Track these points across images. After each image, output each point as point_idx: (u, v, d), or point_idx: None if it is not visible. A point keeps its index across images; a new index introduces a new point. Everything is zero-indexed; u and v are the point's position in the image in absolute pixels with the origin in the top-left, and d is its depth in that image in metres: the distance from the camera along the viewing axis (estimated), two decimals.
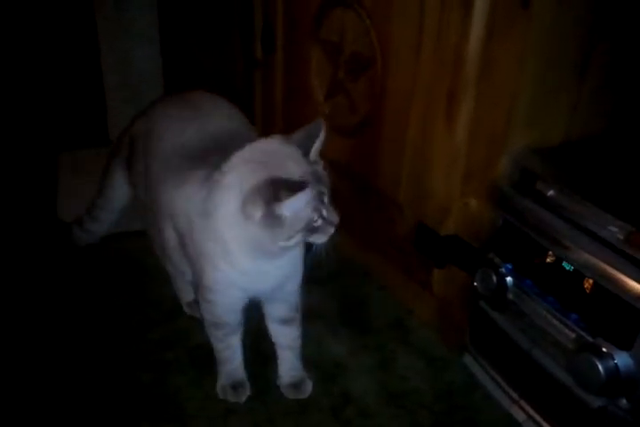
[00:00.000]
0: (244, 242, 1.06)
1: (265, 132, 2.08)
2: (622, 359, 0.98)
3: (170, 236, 1.21)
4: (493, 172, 1.24)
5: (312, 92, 1.76)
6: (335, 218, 1.06)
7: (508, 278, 1.18)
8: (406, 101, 1.40)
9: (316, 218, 1.03)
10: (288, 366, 1.32)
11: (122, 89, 2.24)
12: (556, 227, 1.10)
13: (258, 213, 1.00)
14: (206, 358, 1.38)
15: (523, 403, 1.21)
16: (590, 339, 1.02)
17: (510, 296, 1.18)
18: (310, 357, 1.39)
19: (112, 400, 1.28)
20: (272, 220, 1.00)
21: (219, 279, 1.15)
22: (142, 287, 1.57)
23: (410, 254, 1.48)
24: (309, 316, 1.51)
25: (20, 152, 2.14)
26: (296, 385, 1.32)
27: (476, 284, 1.24)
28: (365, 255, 1.68)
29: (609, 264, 1.00)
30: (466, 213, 1.32)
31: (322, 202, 1.03)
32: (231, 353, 1.29)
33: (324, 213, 1.04)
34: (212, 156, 1.13)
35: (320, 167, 1.06)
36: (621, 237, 1.00)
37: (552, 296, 1.11)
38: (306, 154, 1.04)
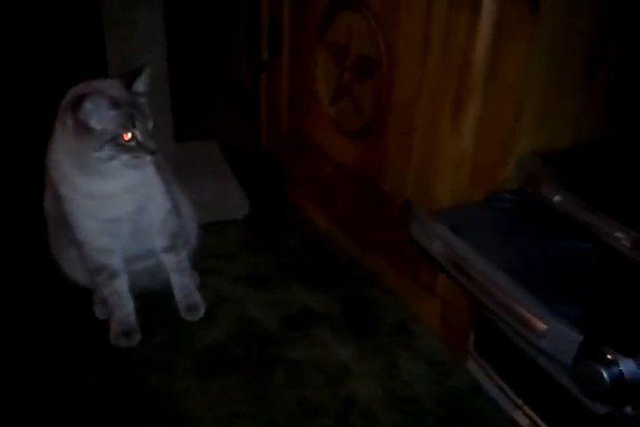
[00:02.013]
0: (71, 158, 1.21)
1: (270, 134, 2.09)
2: (627, 366, 0.96)
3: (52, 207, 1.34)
4: (500, 176, 1.23)
5: (318, 94, 1.75)
6: (151, 145, 1.21)
7: None
8: (412, 105, 1.39)
9: (126, 136, 1.17)
10: (178, 286, 1.48)
11: None
12: None
13: (69, 121, 1.16)
14: (211, 362, 1.38)
15: (527, 409, 1.20)
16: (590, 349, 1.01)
17: None
18: (314, 360, 1.39)
19: (117, 403, 1.28)
20: (81, 128, 1.16)
21: (74, 211, 1.27)
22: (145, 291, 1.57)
23: (415, 258, 1.47)
24: (314, 319, 1.52)
25: (24, 154, 2.15)
26: (190, 307, 1.48)
27: None
28: (370, 259, 1.68)
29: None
30: None
31: (132, 124, 1.17)
32: (118, 299, 1.39)
33: (139, 136, 1.19)
34: None
35: (142, 99, 1.22)
36: (628, 243, 0.99)
37: None
38: (128, 86, 1.21)
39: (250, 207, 1.93)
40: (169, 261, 1.46)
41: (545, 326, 0.94)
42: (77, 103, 1.14)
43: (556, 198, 1.11)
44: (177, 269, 1.47)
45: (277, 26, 1.88)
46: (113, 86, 1.20)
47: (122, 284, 1.39)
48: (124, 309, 1.41)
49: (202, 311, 1.49)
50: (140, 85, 1.23)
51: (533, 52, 1.13)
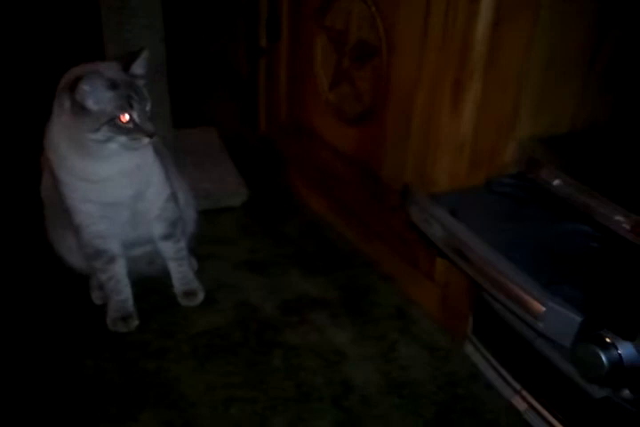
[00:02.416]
0: (68, 140, 1.20)
1: (269, 120, 2.08)
2: (626, 350, 0.96)
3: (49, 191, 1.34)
4: (500, 161, 1.23)
5: (317, 80, 1.75)
6: (149, 127, 1.19)
7: None
8: (412, 89, 1.39)
9: (123, 118, 1.16)
10: (177, 275, 1.48)
11: None
12: None
13: (66, 102, 1.16)
14: (207, 347, 1.38)
15: (524, 393, 1.20)
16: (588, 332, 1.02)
17: None
18: (312, 345, 1.39)
19: (113, 388, 1.28)
20: (78, 108, 1.15)
21: (72, 195, 1.27)
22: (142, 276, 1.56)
23: (413, 244, 1.47)
24: (312, 304, 1.52)
25: (24, 143, 2.14)
26: (188, 293, 1.48)
27: None
28: (369, 245, 1.68)
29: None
30: None
31: (130, 105, 1.17)
32: (116, 284, 1.39)
33: (136, 118, 1.18)
34: None
35: (139, 81, 1.21)
36: (628, 226, 0.99)
37: None
38: (126, 69, 1.20)
39: (248, 194, 1.92)
40: (167, 249, 1.45)
41: (543, 308, 0.94)
42: (74, 84, 1.14)
43: (556, 182, 1.11)
44: (175, 258, 1.46)
45: (276, 11, 1.87)
46: (110, 68, 1.20)
47: (120, 269, 1.38)
48: (122, 294, 1.40)
49: (200, 297, 1.49)
50: (138, 68, 1.22)
51: (533, 36, 1.13)
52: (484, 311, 1.27)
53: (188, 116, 2.17)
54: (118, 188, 1.28)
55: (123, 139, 1.18)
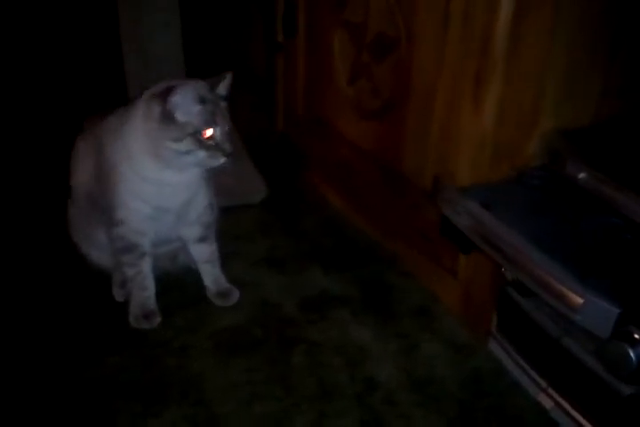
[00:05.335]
0: (145, 143, 1.22)
1: (287, 116, 2.07)
2: None
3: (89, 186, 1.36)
4: (522, 155, 1.21)
5: (335, 75, 1.73)
6: (228, 147, 1.23)
7: None
8: (432, 83, 1.37)
9: (206, 133, 1.20)
10: (211, 278, 1.49)
11: (143, 74, 2.23)
12: None
13: (156, 109, 1.19)
14: (228, 344, 1.37)
15: (550, 391, 1.19)
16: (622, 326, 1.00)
17: None
18: (333, 342, 1.38)
19: (136, 385, 1.28)
20: (167, 118, 1.18)
21: (127, 190, 1.28)
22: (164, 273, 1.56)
23: (435, 240, 1.45)
24: (332, 301, 1.51)
25: (40, 136, 2.15)
26: (223, 294, 1.49)
27: (503, 269, 1.22)
28: (390, 242, 1.66)
29: None
30: None
31: (214, 122, 1.21)
32: (143, 279, 1.40)
33: (218, 135, 1.22)
34: None
35: (223, 102, 1.25)
36: None
37: None
38: (212, 88, 1.24)
39: (267, 191, 1.92)
40: (202, 251, 1.47)
41: (581, 301, 0.93)
42: (167, 93, 1.18)
43: (581, 176, 1.09)
44: (209, 260, 1.48)
45: (292, 6, 1.86)
46: (200, 85, 1.22)
47: (147, 264, 1.40)
48: (147, 290, 1.41)
49: (235, 296, 1.50)
50: (223, 89, 1.26)
51: (555, 29, 1.11)
52: (508, 307, 1.26)
53: None
54: (176, 195, 1.33)
55: (202, 154, 1.21)
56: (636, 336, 0.96)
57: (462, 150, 1.33)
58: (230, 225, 1.66)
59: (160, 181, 1.28)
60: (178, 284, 1.52)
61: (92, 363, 1.33)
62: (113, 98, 2.24)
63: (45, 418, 1.22)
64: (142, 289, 1.41)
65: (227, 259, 1.56)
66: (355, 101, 1.68)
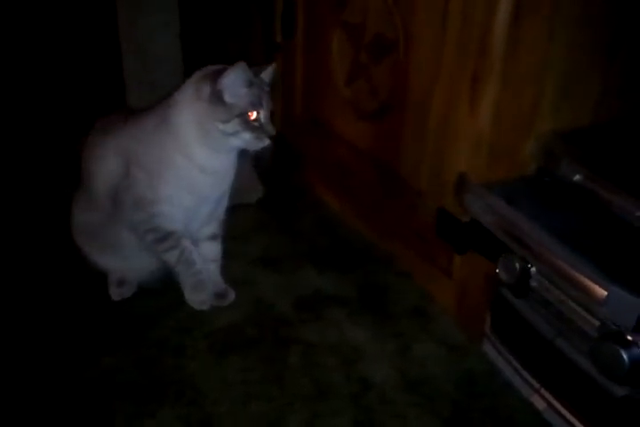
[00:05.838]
0: (196, 127, 1.25)
1: (284, 117, 2.07)
2: None
3: (105, 187, 1.36)
4: (519, 157, 1.21)
5: (333, 76, 1.74)
6: (271, 129, 1.27)
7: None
8: (429, 85, 1.37)
9: (252, 115, 1.24)
10: (212, 278, 1.48)
11: (142, 74, 2.23)
12: None
13: (206, 90, 1.23)
14: (224, 344, 1.38)
15: (543, 391, 1.19)
16: (614, 327, 1.00)
17: (533, 284, 1.16)
18: (328, 342, 1.38)
19: (131, 385, 1.28)
20: (216, 99, 1.22)
21: (175, 181, 1.30)
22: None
23: (431, 241, 1.46)
24: (327, 301, 1.51)
25: (38, 137, 2.15)
26: (219, 294, 1.48)
27: (498, 271, 1.22)
28: (386, 242, 1.67)
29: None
30: None
31: (260, 104, 1.25)
32: (190, 254, 1.39)
33: (262, 118, 1.26)
34: None
35: (267, 87, 1.29)
36: None
37: None
38: (256, 74, 1.27)
39: (263, 190, 1.92)
40: (211, 250, 1.49)
41: (605, 293, 0.93)
42: (217, 74, 1.22)
43: (577, 177, 1.10)
44: (216, 259, 1.50)
45: (291, 7, 1.86)
46: (247, 70, 1.25)
47: (188, 242, 1.39)
48: (195, 264, 1.40)
49: (231, 297, 1.50)
50: (266, 76, 1.31)
51: (553, 30, 1.11)
52: (502, 309, 1.26)
53: None
54: (219, 183, 1.36)
55: (247, 135, 1.25)
56: (629, 338, 0.96)
57: (458, 151, 1.33)
58: (226, 224, 1.66)
59: (212, 168, 1.31)
60: (173, 284, 1.52)
61: (87, 363, 1.33)
62: (112, 98, 2.24)
63: (41, 418, 1.22)
64: (191, 264, 1.39)
65: (223, 258, 1.56)
66: (352, 102, 1.69)
